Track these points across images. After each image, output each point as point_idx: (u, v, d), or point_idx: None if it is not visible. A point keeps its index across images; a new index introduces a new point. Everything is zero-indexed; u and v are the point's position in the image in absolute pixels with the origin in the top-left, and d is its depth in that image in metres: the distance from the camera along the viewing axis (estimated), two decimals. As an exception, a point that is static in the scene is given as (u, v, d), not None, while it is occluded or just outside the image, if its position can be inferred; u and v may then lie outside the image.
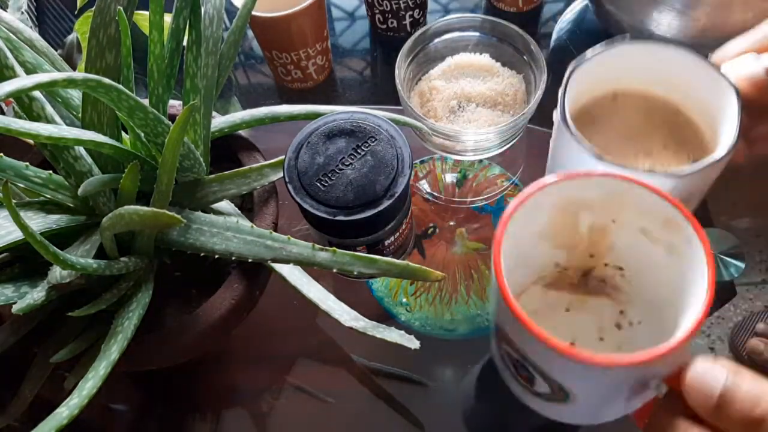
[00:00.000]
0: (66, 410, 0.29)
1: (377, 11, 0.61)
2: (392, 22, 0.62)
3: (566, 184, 0.28)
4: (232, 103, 0.63)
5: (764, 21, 0.28)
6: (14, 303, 0.31)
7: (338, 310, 0.38)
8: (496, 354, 0.34)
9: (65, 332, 0.36)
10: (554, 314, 0.35)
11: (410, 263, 0.33)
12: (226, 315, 0.37)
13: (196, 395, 0.47)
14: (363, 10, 0.66)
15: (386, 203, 0.36)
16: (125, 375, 0.47)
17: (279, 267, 0.39)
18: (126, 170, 0.32)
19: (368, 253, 0.36)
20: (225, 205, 0.40)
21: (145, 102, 0.34)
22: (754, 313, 0.46)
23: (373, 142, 0.37)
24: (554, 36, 0.64)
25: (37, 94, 0.32)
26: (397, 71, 0.48)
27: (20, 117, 0.32)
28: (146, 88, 0.37)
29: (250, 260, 0.34)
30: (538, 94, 0.46)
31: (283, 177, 0.37)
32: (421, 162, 0.54)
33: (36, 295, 0.31)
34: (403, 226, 0.42)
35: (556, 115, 0.34)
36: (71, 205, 0.36)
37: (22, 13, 0.52)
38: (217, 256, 0.34)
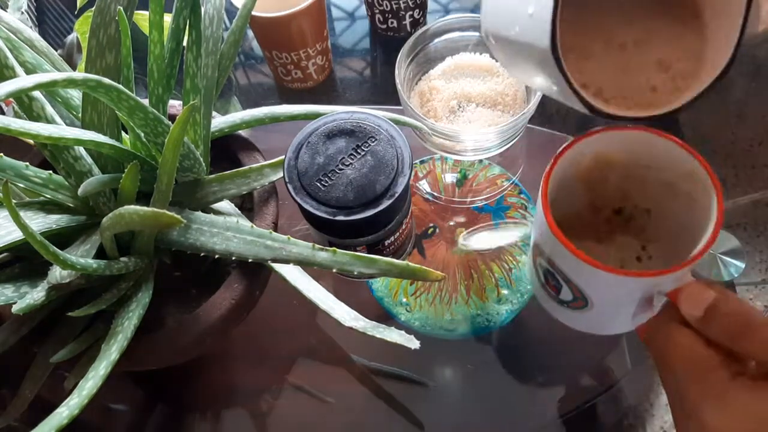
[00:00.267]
0: (66, 410, 0.29)
1: (377, 11, 0.61)
2: (392, 22, 0.62)
3: (604, 135, 0.34)
4: (232, 103, 0.63)
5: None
6: (14, 303, 0.31)
7: (338, 310, 0.38)
8: (530, 267, 0.40)
9: (65, 332, 0.36)
10: (585, 242, 0.41)
11: (410, 263, 0.33)
12: (226, 315, 0.37)
13: (196, 395, 0.47)
14: (363, 10, 0.66)
15: (386, 203, 0.36)
16: (125, 375, 0.47)
17: (279, 267, 0.39)
18: (126, 170, 0.32)
19: (368, 253, 0.36)
20: (225, 205, 0.40)
21: (145, 102, 0.34)
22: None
23: (373, 142, 0.37)
24: (554, 36, 0.64)
25: (37, 94, 0.32)
26: (397, 71, 0.48)
27: (20, 117, 0.32)
28: (146, 88, 0.37)
29: (250, 260, 0.34)
30: (538, 94, 0.46)
31: (283, 177, 0.37)
32: (421, 162, 0.54)
33: (36, 295, 0.31)
34: (403, 226, 0.42)
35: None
36: (71, 205, 0.36)
37: (22, 13, 0.52)
38: (217, 256, 0.34)
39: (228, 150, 0.43)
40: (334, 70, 0.63)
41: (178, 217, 0.29)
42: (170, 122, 0.33)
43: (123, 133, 0.37)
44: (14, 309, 0.30)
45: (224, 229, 0.35)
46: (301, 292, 0.38)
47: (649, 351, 0.32)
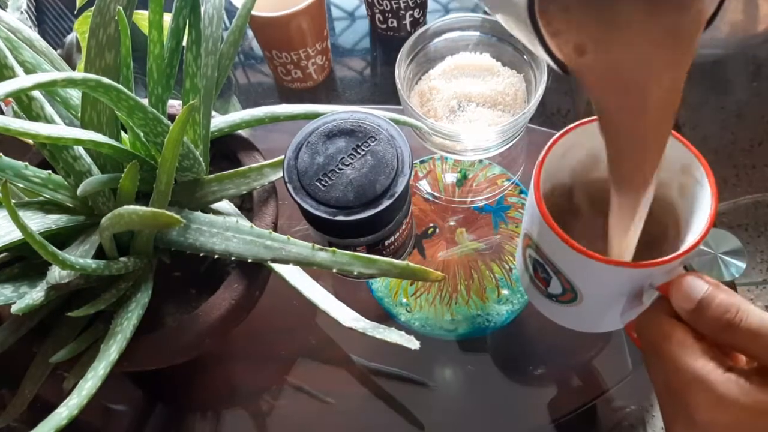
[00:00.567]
0: (65, 410, 0.29)
1: (377, 11, 0.61)
2: (392, 22, 0.62)
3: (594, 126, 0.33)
4: (231, 103, 0.63)
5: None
6: (13, 303, 0.31)
7: (338, 310, 0.38)
8: (519, 259, 0.39)
9: (65, 332, 0.36)
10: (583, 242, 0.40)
11: (410, 263, 0.33)
12: (226, 315, 0.37)
13: (196, 395, 0.47)
14: (363, 10, 0.66)
15: (386, 203, 0.36)
16: (125, 375, 0.47)
17: (279, 267, 0.39)
18: (125, 170, 0.32)
19: (368, 253, 0.36)
20: (224, 205, 0.40)
21: (145, 102, 0.34)
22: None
23: (373, 142, 0.37)
24: (554, 36, 0.64)
25: (36, 93, 0.32)
26: (397, 71, 0.48)
27: (19, 117, 0.32)
28: (146, 87, 0.37)
29: (249, 260, 0.34)
30: (539, 94, 0.46)
31: (283, 177, 0.37)
32: (421, 162, 0.54)
33: (35, 295, 0.31)
34: (403, 226, 0.42)
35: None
36: (70, 205, 0.36)
37: (22, 12, 0.52)
38: (216, 256, 0.34)
39: (228, 150, 0.43)
40: (334, 70, 0.63)
41: (178, 217, 0.29)
42: (170, 122, 0.33)
43: (122, 133, 0.37)
44: (13, 309, 0.30)
45: (224, 229, 0.35)
46: (301, 292, 0.38)
47: (638, 344, 0.32)
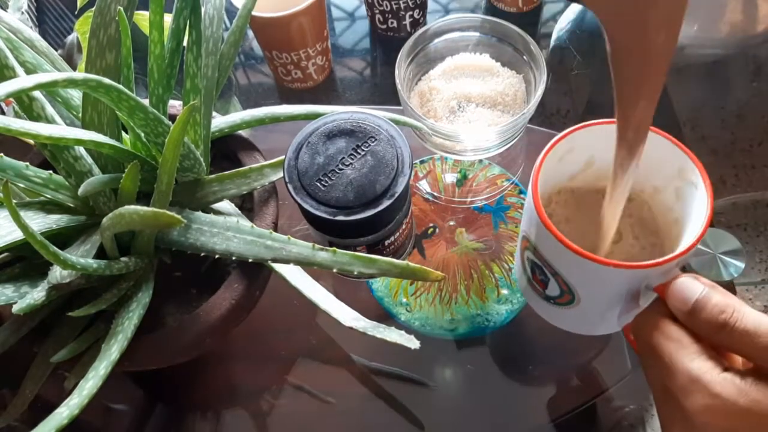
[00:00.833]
0: (66, 410, 0.29)
1: (377, 11, 0.61)
2: (392, 22, 0.62)
3: (597, 128, 0.34)
4: (232, 103, 0.63)
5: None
6: (14, 303, 0.31)
7: (338, 310, 0.38)
8: (518, 262, 0.40)
9: (65, 332, 0.36)
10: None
11: (410, 263, 0.33)
12: (226, 315, 0.37)
13: (197, 395, 0.47)
14: (363, 10, 0.66)
15: (386, 203, 0.36)
16: (125, 375, 0.47)
17: (279, 267, 0.39)
18: (126, 170, 0.32)
19: (368, 253, 0.36)
20: (225, 205, 0.40)
21: (146, 102, 0.34)
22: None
23: (373, 142, 0.37)
24: (554, 36, 0.64)
25: (37, 94, 0.32)
26: (397, 71, 0.48)
27: (20, 117, 0.32)
28: (146, 88, 0.37)
29: (250, 260, 0.34)
30: (538, 94, 0.46)
31: (283, 177, 0.37)
32: (421, 162, 0.54)
33: (36, 295, 0.31)
34: (403, 226, 0.42)
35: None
36: (71, 205, 0.36)
37: (23, 13, 0.52)
38: (217, 256, 0.34)
39: (228, 150, 0.43)
40: (334, 70, 0.63)
41: (178, 217, 0.30)
42: (170, 122, 0.33)
43: (123, 133, 0.37)
44: (14, 309, 0.30)
45: (224, 229, 0.35)
46: (301, 292, 0.38)
47: (635, 347, 0.32)
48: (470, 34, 0.52)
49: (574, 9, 0.66)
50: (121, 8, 0.31)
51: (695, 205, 0.32)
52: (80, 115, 0.34)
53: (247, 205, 0.42)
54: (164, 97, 0.37)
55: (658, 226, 0.38)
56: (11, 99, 0.32)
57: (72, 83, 0.27)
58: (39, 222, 0.33)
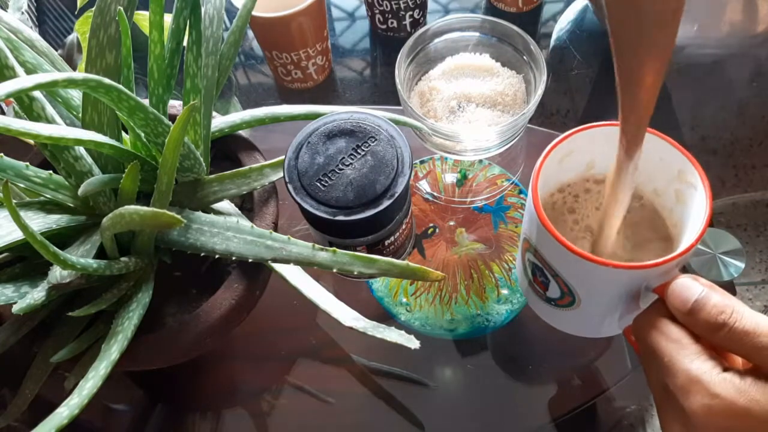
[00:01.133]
0: (66, 410, 0.29)
1: (377, 11, 0.61)
2: (392, 22, 0.62)
3: (597, 130, 0.34)
4: (232, 103, 0.63)
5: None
6: (14, 303, 0.31)
7: (338, 310, 0.38)
8: (519, 264, 0.40)
9: (65, 332, 0.36)
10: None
11: (410, 263, 0.33)
12: (226, 315, 0.37)
13: (196, 395, 0.47)
14: (363, 10, 0.66)
15: (386, 203, 0.36)
16: (125, 375, 0.47)
17: (279, 267, 0.39)
18: (126, 170, 0.32)
19: (368, 253, 0.36)
20: (225, 205, 0.40)
21: (146, 102, 0.34)
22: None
23: (373, 142, 0.37)
24: (554, 36, 0.64)
25: (37, 94, 0.32)
26: (397, 71, 0.48)
27: (20, 117, 0.32)
28: (146, 88, 0.37)
29: (250, 260, 0.34)
30: (538, 94, 0.46)
31: (283, 177, 0.37)
32: (421, 162, 0.54)
33: (36, 295, 0.31)
34: (403, 226, 0.42)
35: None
36: (71, 205, 0.36)
37: (23, 13, 0.52)
38: (217, 256, 0.34)
39: (228, 150, 0.43)
40: (334, 70, 0.63)
41: (178, 217, 0.30)
42: (170, 122, 0.33)
43: (123, 133, 0.37)
44: (14, 309, 0.30)
45: (224, 229, 0.35)
46: (301, 292, 0.38)
47: (636, 349, 0.32)
48: (470, 34, 0.52)
49: (575, 9, 0.66)
50: (121, 8, 0.31)
51: (695, 207, 0.33)
52: (80, 115, 0.34)
53: (247, 205, 0.42)
54: (164, 97, 0.37)
55: (658, 230, 0.38)
56: (11, 99, 0.32)
57: (72, 83, 0.27)
58: (39, 222, 0.33)
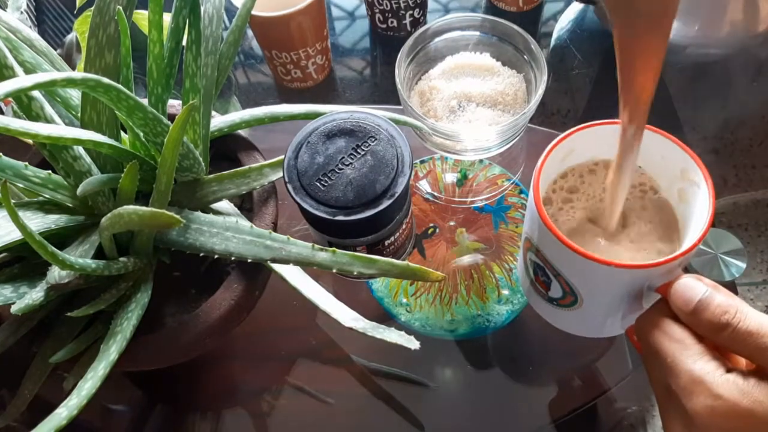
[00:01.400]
0: (65, 411, 0.29)
1: (377, 11, 0.61)
2: (392, 22, 0.62)
3: (599, 129, 0.34)
4: (231, 103, 0.63)
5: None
6: (13, 303, 0.31)
7: (338, 310, 0.38)
8: (521, 264, 0.40)
9: (64, 332, 0.36)
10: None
11: (410, 263, 0.33)
12: (226, 315, 0.37)
13: (197, 395, 0.47)
14: (363, 10, 0.66)
15: (386, 203, 0.35)
16: (125, 375, 0.47)
17: (279, 267, 0.39)
18: (125, 170, 0.32)
19: (368, 253, 0.36)
20: (224, 204, 0.40)
21: (145, 102, 0.33)
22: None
23: (373, 141, 0.37)
24: (554, 35, 0.64)
25: (36, 93, 0.32)
26: (397, 71, 0.48)
27: (19, 117, 0.32)
28: (145, 87, 0.37)
29: (249, 260, 0.33)
30: (539, 94, 0.46)
31: (283, 177, 0.37)
32: (421, 162, 0.54)
33: (35, 295, 0.31)
34: (403, 226, 0.42)
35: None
36: (70, 204, 0.36)
37: (22, 12, 0.52)
38: (216, 256, 0.34)
39: (227, 150, 0.43)
40: (334, 70, 0.63)
41: (177, 217, 0.29)
42: (169, 122, 0.33)
43: (122, 133, 0.37)
44: (13, 309, 0.30)
45: (223, 229, 0.35)
46: (301, 293, 0.38)
47: (639, 349, 0.32)
48: (470, 33, 0.52)
49: (575, 8, 0.65)
50: (120, 7, 0.31)
51: (697, 206, 0.32)
52: (79, 114, 0.34)
53: (247, 205, 0.42)
54: (163, 97, 0.37)
55: (660, 229, 0.38)
56: (10, 98, 0.32)
57: (71, 83, 0.27)
58: (37, 222, 0.33)
